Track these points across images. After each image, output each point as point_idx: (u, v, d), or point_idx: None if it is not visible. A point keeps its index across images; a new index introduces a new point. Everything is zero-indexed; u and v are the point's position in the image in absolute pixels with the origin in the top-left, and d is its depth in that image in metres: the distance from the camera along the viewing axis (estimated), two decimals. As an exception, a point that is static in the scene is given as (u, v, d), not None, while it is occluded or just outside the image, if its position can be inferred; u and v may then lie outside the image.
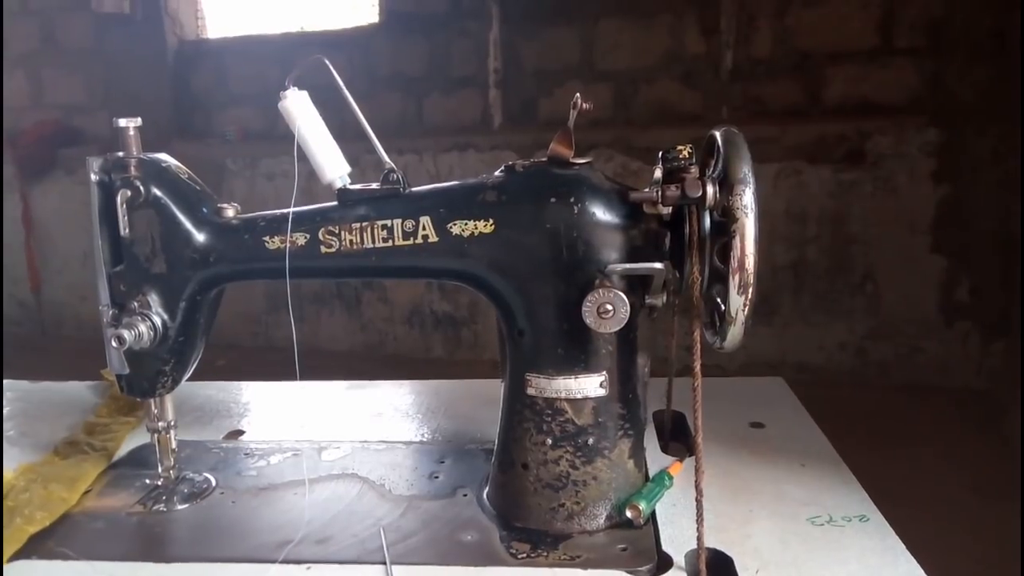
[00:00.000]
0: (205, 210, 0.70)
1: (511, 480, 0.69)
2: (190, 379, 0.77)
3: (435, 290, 3.32)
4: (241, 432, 0.91)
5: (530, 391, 0.66)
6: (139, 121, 0.69)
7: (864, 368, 2.87)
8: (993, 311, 2.65)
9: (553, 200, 0.63)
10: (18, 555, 0.65)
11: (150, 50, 3.68)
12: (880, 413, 2.58)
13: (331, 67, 0.67)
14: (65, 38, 3.94)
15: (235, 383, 1.05)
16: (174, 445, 0.75)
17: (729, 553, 0.62)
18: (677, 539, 0.64)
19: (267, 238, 0.69)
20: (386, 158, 0.68)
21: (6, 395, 1.03)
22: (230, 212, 0.70)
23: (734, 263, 0.57)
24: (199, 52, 3.80)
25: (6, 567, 0.63)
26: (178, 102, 3.76)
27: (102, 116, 3.89)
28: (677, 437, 0.86)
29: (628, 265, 0.63)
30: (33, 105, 4.05)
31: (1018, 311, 2.40)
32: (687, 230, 0.61)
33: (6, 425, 0.93)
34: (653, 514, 0.68)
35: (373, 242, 0.67)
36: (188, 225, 0.69)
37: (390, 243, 0.67)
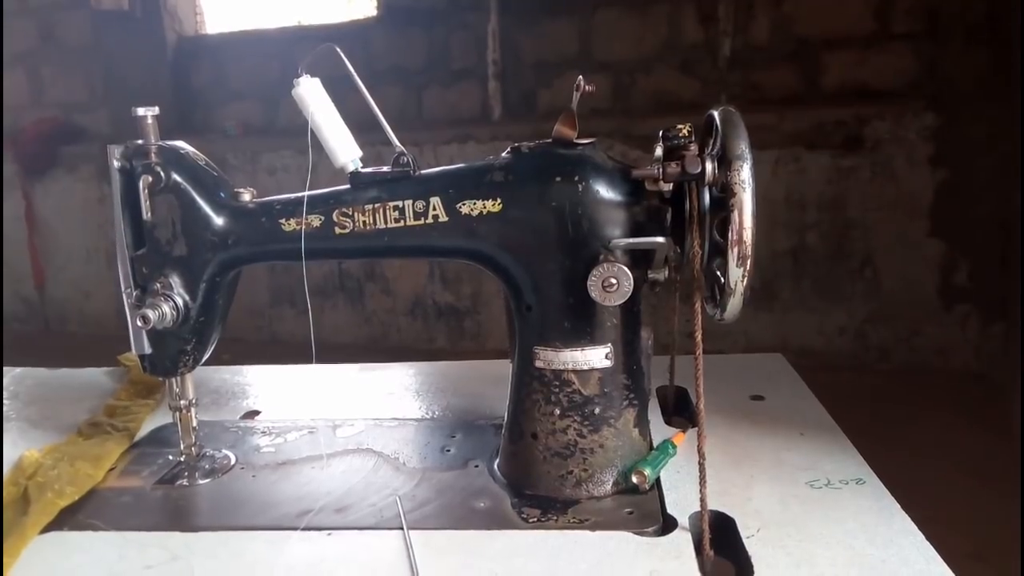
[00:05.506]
0: (223, 195, 0.73)
1: (521, 450, 0.72)
2: (203, 365, 0.79)
3: (437, 281, 3.35)
4: (257, 412, 0.93)
5: (538, 364, 0.69)
6: (156, 110, 0.72)
7: (864, 352, 2.89)
8: (992, 294, 2.67)
9: (558, 179, 0.66)
10: (50, 527, 0.67)
11: (149, 46, 3.70)
12: (880, 396, 2.60)
13: (342, 54, 0.69)
14: (64, 36, 3.96)
15: (249, 367, 1.08)
16: (195, 423, 0.78)
17: (731, 514, 0.65)
18: (681, 503, 0.67)
19: (283, 221, 0.71)
20: (396, 141, 0.70)
21: (25, 381, 1.06)
22: (247, 196, 0.73)
23: (733, 236, 0.60)
24: (198, 48, 3.82)
25: (39, 539, 0.66)
26: (178, 98, 3.78)
27: (102, 113, 3.92)
28: (680, 411, 0.89)
29: (631, 240, 0.65)
30: (33, 103, 4.07)
31: (1016, 294, 2.42)
32: (687, 206, 0.63)
33: (28, 409, 0.96)
34: (658, 480, 0.70)
35: (385, 223, 0.70)
36: (207, 209, 0.71)
37: (402, 223, 0.69)
